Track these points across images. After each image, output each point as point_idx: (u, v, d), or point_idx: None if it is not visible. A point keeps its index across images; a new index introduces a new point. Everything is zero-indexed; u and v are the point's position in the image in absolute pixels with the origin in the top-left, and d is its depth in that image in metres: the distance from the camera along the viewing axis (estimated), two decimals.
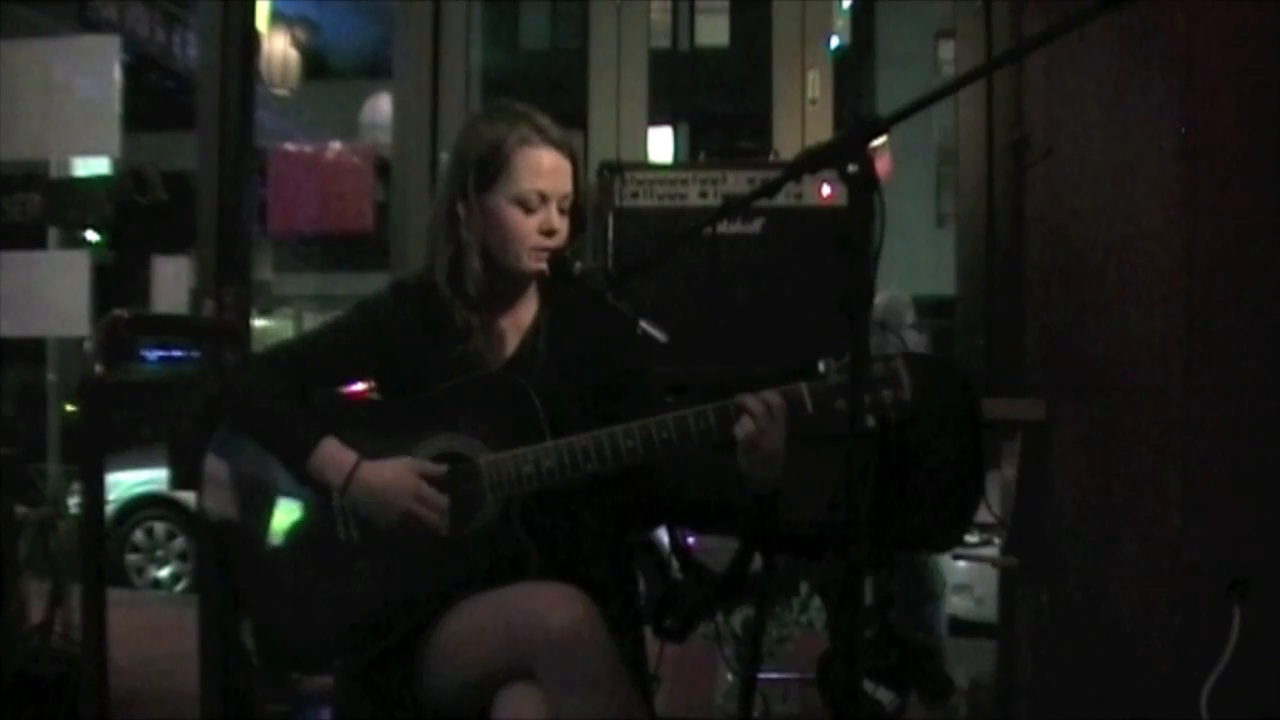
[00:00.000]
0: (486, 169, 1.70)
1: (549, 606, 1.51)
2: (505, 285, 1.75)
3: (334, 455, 1.63)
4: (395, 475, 1.62)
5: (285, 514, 1.69)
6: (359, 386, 1.88)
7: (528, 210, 1.69)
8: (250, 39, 2.95)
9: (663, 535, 2.26)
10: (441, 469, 1.63)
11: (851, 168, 1.29)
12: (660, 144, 14.70)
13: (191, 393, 2.77)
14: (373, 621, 1.63)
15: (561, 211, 1.72)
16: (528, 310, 1.79)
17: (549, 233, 1.70)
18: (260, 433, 1.68)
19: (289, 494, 1.68)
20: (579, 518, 1.71)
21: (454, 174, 1.74)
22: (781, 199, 2.18)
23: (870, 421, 1.50)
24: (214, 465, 1.72)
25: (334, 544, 1.65)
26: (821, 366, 1.55)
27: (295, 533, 1.68)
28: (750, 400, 1.55)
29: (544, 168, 1.69)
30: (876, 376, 1.52)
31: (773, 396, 1.55)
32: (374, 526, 1.64)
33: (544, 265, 1.71)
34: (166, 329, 3.56)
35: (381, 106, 5.34)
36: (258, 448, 1.68)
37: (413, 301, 1.76)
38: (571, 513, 1.69)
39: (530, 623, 1.50)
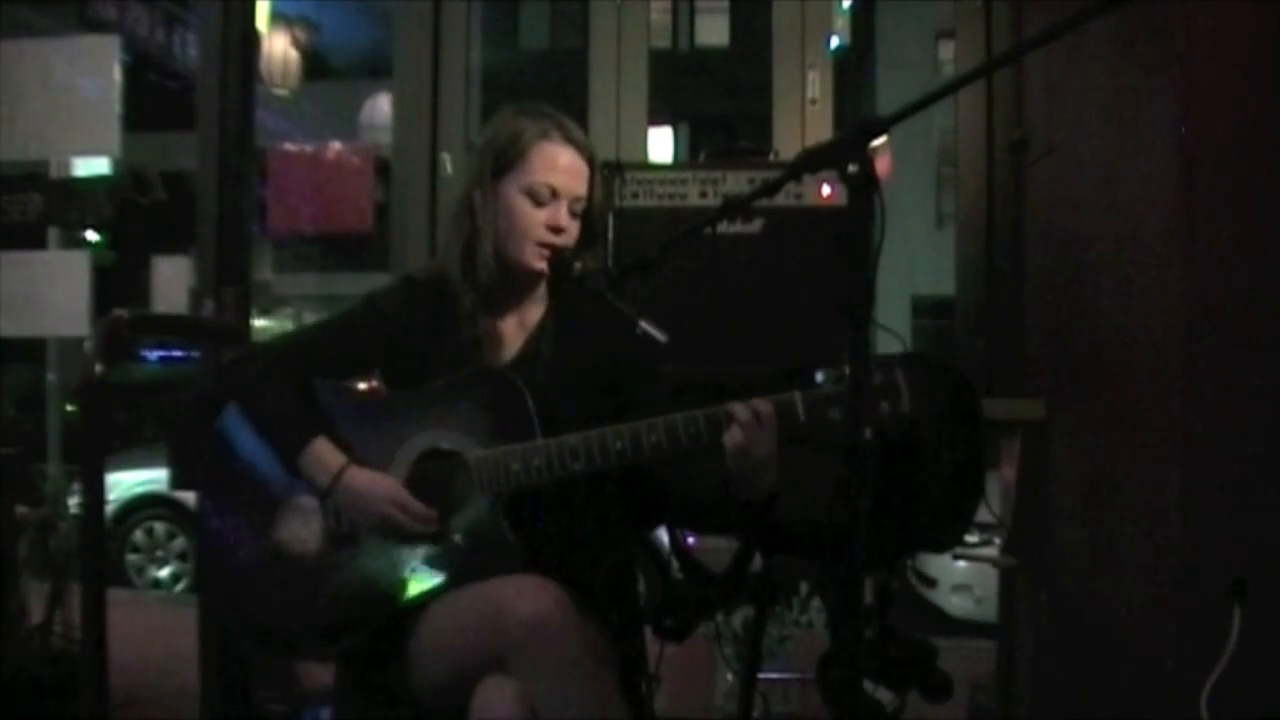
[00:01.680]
0: (504, 156, 1.72)
1: (515, 597, 1.51)
2: (511, 281, 1.76)
3: (322, 456, 1.65)
4: (378, 482, 1.64)
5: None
6: (363, 385, 1.89)
7: (537, 203, 1.70)
8: (250, 39, 2.95)
9: (663, 535, 2.26)
10: (411, 502, 1.64)
11: (851, 168, 1.29)
12: (660, 144, 14.72)
13: (189, 391, 2.77)
14: (356, 614, 1.64)
15: (573, 214, 1.73)
16: (534, 312, 1.80)
17: (555, 230, 1.71)
18: (257, 425, 1.71)
19: (285, 483, 1.69)
20: (572, 518, 1.71)
21: (475, 162, 1.76)
22: (781, 199, 2.17)
23: (867, 434, 1.50)
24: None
25: (323, 535, 1.68)
26: (819, 377, 1.54)
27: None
28: (739, 409, 1.54)
29: (559, 164, 1.71)
30: (874, 388, 1.50)
31: (763, 405, 1.54)
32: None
33: (545, 264, 1.71)
34: (166, 329, 3.57)
35: (380, 106, 5.35)
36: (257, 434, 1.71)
37: (421, 296, 1.77)
38: (564, 513, 1.70)
39: (498, 614, 1.50)
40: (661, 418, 1.57)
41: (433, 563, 1.63)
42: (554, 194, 1.70)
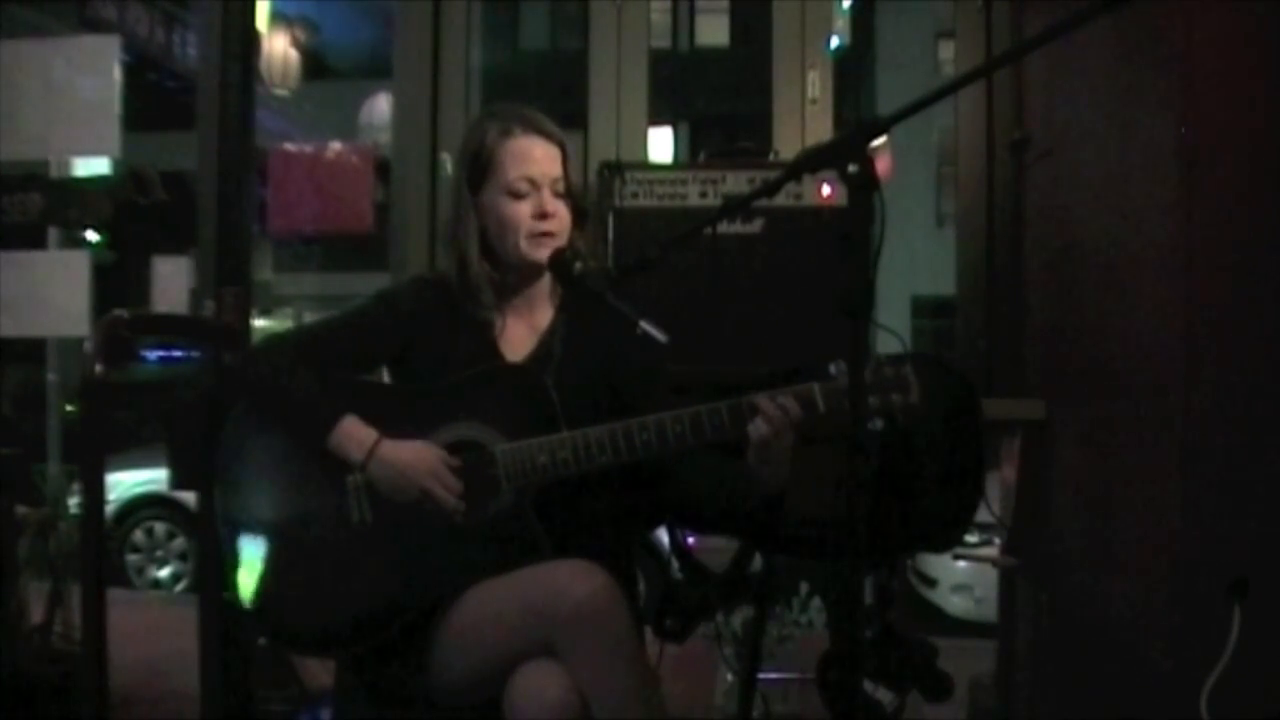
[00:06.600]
0: (476, 167, 1.75)
1: (568, 580, 1.52)
2: (516, 282, 1.78)
3: (354, 432, 1.65)
4: (414, 454, 1.64)
5: (298, 495, 1.69)
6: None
7: (519, 198, 1.73)
8: (250, 39, 2.94)
9: (663, 535, 2.26)
10: (457, 463, 1.65)
11: (851, 168, 1.30)
12: (660, 144, 14.72)
13: (189, 391, 2.76)
14: (382, 606, 1.64)
15: (556, 194, 1.75)
16: (544, 314, 1.82)
17: (543, 215, 1.73)
18: (280, 409, 1.69)
19: (303, 475, 1.68)
20: (591, 511, 1.72)
21: (454, 180, 1.80)
22: (781, 199, 2.18)
23: (878, 424, 1.52)
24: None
25: (346, 527, 1.66)
26: (833, 369, 1.56)
27: (308, 515, 1.68)
28: (765, 402, 1.56)
29: (527, 155, 1.73)
30: (886, 379, 1.53)
31: (788, 400, 1.56)
32: (387, 510, 1.65)
33: (544, 253, 1.73)
34: (166, 329, 3.56)
35: (379, 106, 5.33)
36: (273, 428, 1.70)
37: (435, 296, 1.79)
38: (584, 506, 1.71)
39: (550, 598, 1.51)
40: (686, 409, 1.59)
41: (460, 554, 1.63)
42: (532, 184, 1.73)
